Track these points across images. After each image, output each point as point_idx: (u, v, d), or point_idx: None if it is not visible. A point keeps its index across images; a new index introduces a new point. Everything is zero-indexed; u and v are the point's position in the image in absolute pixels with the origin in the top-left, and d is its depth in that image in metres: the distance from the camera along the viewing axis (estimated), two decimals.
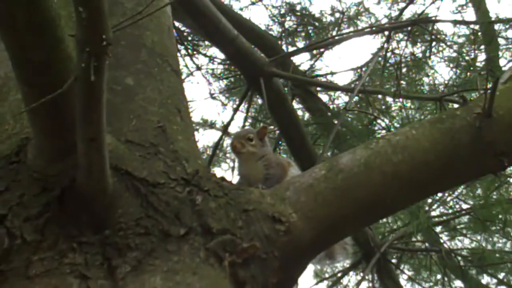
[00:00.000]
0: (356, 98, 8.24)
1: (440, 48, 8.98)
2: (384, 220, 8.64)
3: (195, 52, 9.52)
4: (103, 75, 2.34)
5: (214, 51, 9.59)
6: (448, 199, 8.71)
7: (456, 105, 6.05)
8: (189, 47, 9.38)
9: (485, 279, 8.85)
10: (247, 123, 8.08)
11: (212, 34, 6.75)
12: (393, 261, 8.79)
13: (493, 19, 9.01)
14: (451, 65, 8.95)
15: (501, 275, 8.74)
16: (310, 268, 9.56)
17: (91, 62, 2.26)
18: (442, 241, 8.68)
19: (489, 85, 3.21)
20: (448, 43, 8.86)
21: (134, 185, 2.79)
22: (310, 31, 9.53)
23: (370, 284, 8.41)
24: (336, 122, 7.92)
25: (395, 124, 8.21)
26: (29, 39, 2.47)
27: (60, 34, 2.51)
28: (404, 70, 8.87)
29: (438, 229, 8.74)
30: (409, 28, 8.27)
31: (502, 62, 8.67)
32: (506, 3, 13.84)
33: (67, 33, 2.51)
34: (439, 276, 8.96)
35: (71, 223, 2.64)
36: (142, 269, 2.60)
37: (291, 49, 9.18)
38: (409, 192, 3.22)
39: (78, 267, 2.55)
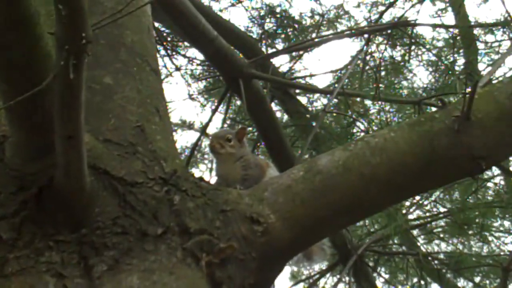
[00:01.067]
0: (335, 101, 8.24)
1: (420, 52, 9.03)
2: (361, 222, 8.66)
3: (174, 53, 9.48)
4: (82, 73, 2.33)
5: (193, 52, 9.56)
6: (425, 202, 8.75)
7: (434, 109, 6.06)
8: (168, 47, 9.35)
9: (462, 283, 8.89)
10: (225, 125, 8.07)
11: (191, 35, 6.70)
12: (370, 263, 8.81)
13: (472, 23, 9.06)
14: (430, 69, 8.99)
15: (477, 279, 8.78)
16: (287, 270, 9.58)
17: (70, 60, 2.25)
18: (419, 244, 8.71)
19: (468, 89, 3.22)
20: (427, 47, 8.90)
21: (112, 184, 2.78)
22: (290, 33, 9.52)
23: (347, 286, 8.43)
24: (314, 124, 7.91)
25: (374, 127, 8.21)
26: (8, 37, 2.46)
27: (39, 31, 2.50)
28: (383, 73, 8.90)
29: (415, 232, 8.77)
30: (388, 31, 8.30)
31: (481, 66, 8.74)
32: (485, 8, 13.92)
33: (46, 31, 2.50)
34: (415, 279, 8.98)
35: (48, 221, 2.63)
36: (118, 268, 2.60)
37: (270, 51, 9.16)
38: (387, 194, 3.23)
39: (55, 265, 2.55)
